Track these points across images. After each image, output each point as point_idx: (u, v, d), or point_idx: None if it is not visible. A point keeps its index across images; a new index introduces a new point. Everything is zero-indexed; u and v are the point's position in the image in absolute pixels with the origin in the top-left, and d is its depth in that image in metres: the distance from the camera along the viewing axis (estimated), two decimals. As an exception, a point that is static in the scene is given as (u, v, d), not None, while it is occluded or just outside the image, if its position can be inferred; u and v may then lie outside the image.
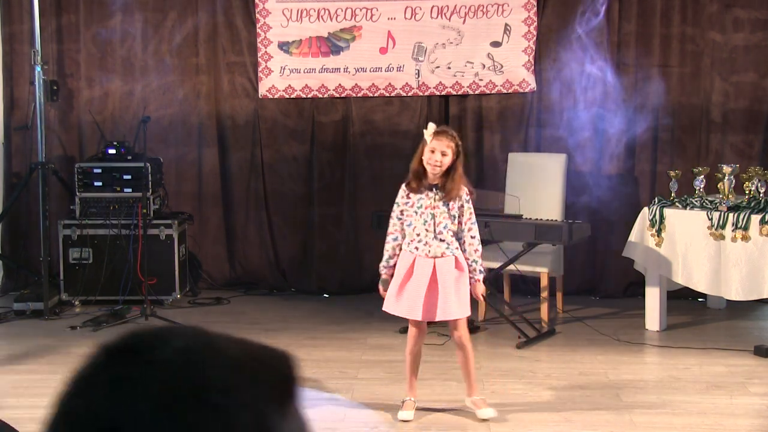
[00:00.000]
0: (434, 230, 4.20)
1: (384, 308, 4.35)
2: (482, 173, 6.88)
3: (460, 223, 4.26)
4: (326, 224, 7.07)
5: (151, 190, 6.54)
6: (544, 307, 6.01)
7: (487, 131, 6.93)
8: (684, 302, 6.52)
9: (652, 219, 5.76)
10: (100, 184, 6.60)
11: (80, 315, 6.31)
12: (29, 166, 6.71)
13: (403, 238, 4.29)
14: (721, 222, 5.44)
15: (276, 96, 6.98)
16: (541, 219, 5.68)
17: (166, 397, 0.78)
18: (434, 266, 4.19)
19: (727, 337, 5.72)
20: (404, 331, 5.77)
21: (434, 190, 4.22)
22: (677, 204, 5.76)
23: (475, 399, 4.33)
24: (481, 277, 4.32)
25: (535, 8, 6.75)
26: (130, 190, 6.58)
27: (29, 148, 6.94)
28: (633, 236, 5.87)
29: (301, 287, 7.06)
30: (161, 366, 0.81)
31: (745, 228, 5.33)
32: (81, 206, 6.60)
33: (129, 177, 6.59)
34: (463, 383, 4.42)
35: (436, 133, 4.21)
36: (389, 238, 4.33)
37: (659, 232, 5.72)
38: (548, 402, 4.54)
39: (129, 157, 6.65)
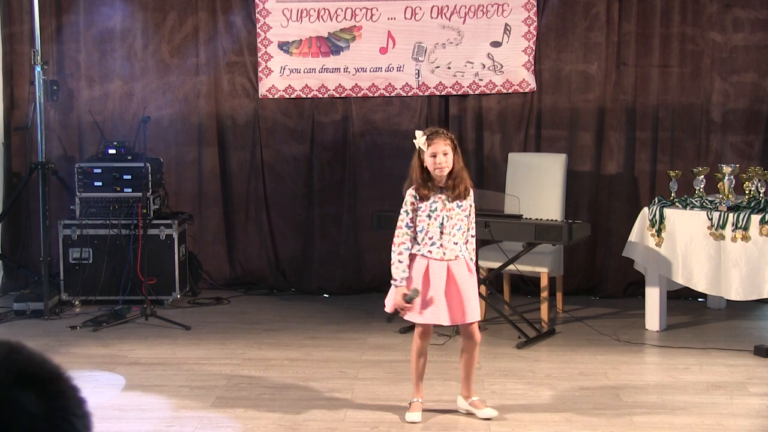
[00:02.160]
0: (450, 232, 4.16)
1: (408, 318, 4.21)
2: (482, 173, 6.88)
3: (468, 222, 4.25)
4: (326, 224, 7.07)
5: (151, 190, 6.54)
6: (544, 307, 6.01)
7: (487, 131, 6.93)
8: (684, 302, 6.53)
9: (652, 219, 5.76)
10: (100, 184, 6.60)
11: (80, 315, 6.31)
12: (29, 166, 6.71)
13: (413, 245, 4.22)
14: (721, 222, 5.44)
15: (276, 96, 6.98)
16: (541, 219, 5.68)
17: None
18: (448, 269, 4.16)
19: (727, 337, 5.72)
20: (405, 331, 5.78)
21: (444, 192, 4.18)
22: (677, 204, 5.76)
23: (474, 400, 4.33)
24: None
25: (535, 8, 6.76)
26: (130, 190, 6.58)
27: (29, 148, 6.94)
28: (633, 236, 5.87)
29: (301, 287, 7.06)
30: None
31: (745, 228, 5.33)
32: (81, 206, 6.60)
33: (129, 177, 6.59)
34: (462, 382, 4.41)
35: (429, 138, 4.16)
36: (401, 249, 4.17)
37: (659, 232, 5.72)
38: (548, 402, 4.54)
39: (129, 157, 6.65)
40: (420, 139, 4.18)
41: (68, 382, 1.01)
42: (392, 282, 4.19)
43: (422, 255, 4.18)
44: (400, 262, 4.16)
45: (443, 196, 4.17)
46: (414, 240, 4.21)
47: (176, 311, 6.39)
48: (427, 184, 4.16)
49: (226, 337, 5.75)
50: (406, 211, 4.21)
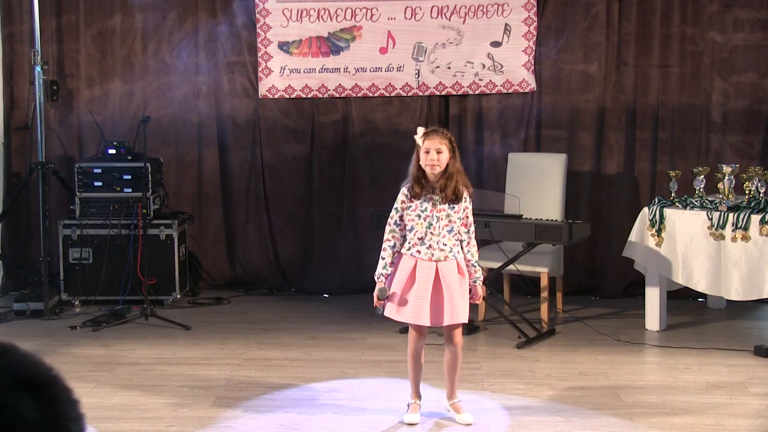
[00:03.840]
0: (439, 233, 4.14)
1: (386, 314, 4.24)
2: (482, 173, 6.88)
3: (464, 225, 4.22)
4: (326, 224, 7.07)
5: (151, 190, 6.54)
6: (544, 307, 6.01)
7: (487, 131, 6.93)
8: (684, 302, 6.53)
9: (652, 219, 5.76)
10: (100, 184, 6.60)
11: (80, 315, 6.31)
12: (29, 166, 6.72)
13: (401, 244, 4.22)
14: (721, 222, 5.44)
15: (276, 96, 6.98)
16: (541, 219, 5.68)
17: None
18: (437, 270, 4.15)
19: (727, 337, 5.72)
20: (404, 331, 5.77)
21: (437, 192, 4.17)
22: (677, 204, 5.76)
23: (454, 402, 4.31)
24: (482, 278, 4.32)
25: (535, 8, 6.76)
26: (130, 190, 6.58)
27: (29, 148, 6.94)
28: (633, 236, 5.87)
29: (301, 287, 7.06)
30: None
31: (745, 228, 5.33)
32: (81, 206, 6.60)
33: (129, 177, 6.59)
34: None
35: (427, 134, 4.18)
36: (386, 245, 4.21)
37: (659, 232, 5.72)
38: (548, 402, 4.53)
39: (129, 157, 6.65)
40: (419, 133, 4.22)
41: (62, 384, 1.01)
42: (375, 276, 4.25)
43: (411, 254, 4.18)
44: (382, 258, 4.23)
45: (435, 197, 4.16)
46: (403, 238, 4.21)
47: (176, 311, 6.39)
48: (421, 181, 4.17)
49: (226, 337, 5.75)
50: (396, 209, 4.23)
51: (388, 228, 4.23)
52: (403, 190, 4.24)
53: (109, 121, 7.02)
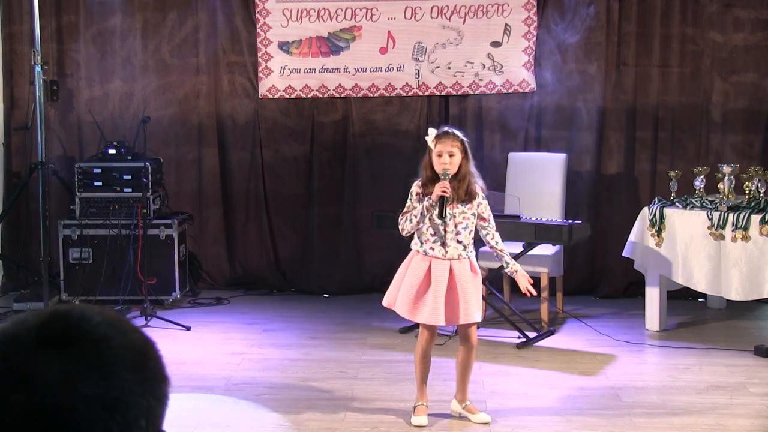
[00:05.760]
0: (452, 231, 4.14)
1: (401, 314, 4.22)
2: (482, 173, 6.80)
3: (482, 219, 4.21)
4: (326, 224, 7.07)
5: (151, 190, 6.54)
6: (544, 307, 6.01)
7: (487, 131, 6.93)
8: (684, 302, 6.52)
9: (652, 219, 5.76)
10: (100, 184, 6.60)
11: (80, 315, 6.30)
12: (29, 166, 6.71)
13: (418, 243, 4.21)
14: (721, 222, 5.44)
15: (276, 96, 6.98)
16: (541, 219, 5.68)
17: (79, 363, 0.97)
18: (451, 269, 4.14)
19: (727, 337, 5.72)
20: (405, 331, 5.78)
21: (447, 200, 4.13)
22: (677, 204, 5.76)
23: (468, 405, 4.30)
24: (518, 268, 4.27)
25: (535, 8, 6.76)
26: (130, 190, 6.58)
27: (29, 148, 6.94)
28: (633, 236, 5.87)
29: (301, 287, 7.06)
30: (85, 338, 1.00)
31: (745, 228, 5.33)
32: (81, 206, 6.60)
33: (129, 177, 6.58)
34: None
35: (438, 136, 4.16)
36: (404, 216, 4.18)
37: (659, 232, 5.72)
38: (548, 402, 4.54)
39: (129, 157, 6.65)
40: (430, 135, 4.20)
41: (92, 337, 1.03)
42: (435, 198, 4.09)
43: (424, 252, 4.17)
44: (408, 215, 4.16)
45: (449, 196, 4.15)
46: (418, 235, 4.20)
47: (176, 311, 6.39)
48: (433, 183, 4.15)
49: (226, 337, 5.75)
50: (411, 199, 4.21)
51: (402, 216, 4.21)
52: (417, 183, 4.22)
53: (109, 121, 7.02)
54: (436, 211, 4.11)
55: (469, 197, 4.17)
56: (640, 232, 5.83)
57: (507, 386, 4.79)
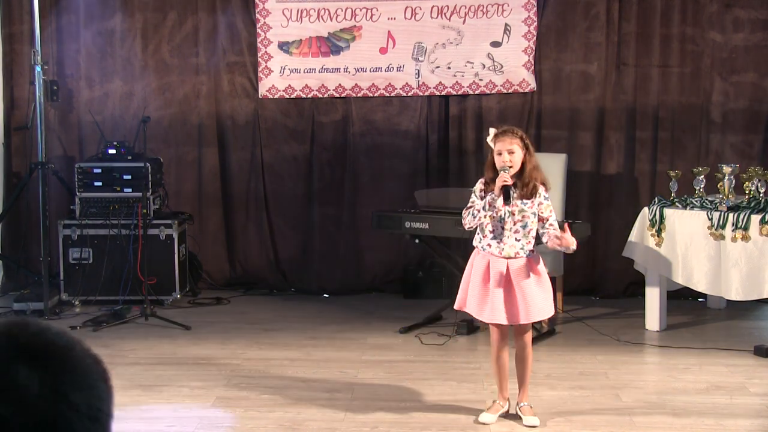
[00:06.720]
0: (510, 228, 4.15)
1: (472, 314, 4.26)
2: (482, 173, 6.85)
3: (541, 220, 4.18)
4: (326, 224, 7.07)
5: (151, 190, 6.54)
6: (544, 307, 6.00)
7: (487, 131, 6.91)
8: (684, 302, 6.52)
9: (652, 219, 5.76)
10: (100, 184, 6.60)
11: (80, 315, 6.31)
12: (29, 166, 6.71)
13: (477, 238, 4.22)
14: (721, 222, 5.44)
15: (276, 96, 6.98)
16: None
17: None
18: (508, 267, 4.13)
19: (727, 337, 5.72)
20: (404, 331, 5.79)
21: (512, 188, 4.13)
22: (677, 204, 5.76)
23: (522, 406, 4.28)
24: (558, 232, 4.14)
25: (535, 8, 6.75)
26: (130, 190, 6.58)
27: (29, 148, 6.94)
28: (633, 236, 5.87)
29: (301, 287, 7.06)
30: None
31: (745, 228, 5.33)
32: (81, 206, 6.60)
33: (129, 177, 6.58)
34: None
35: (497, 135, 4.20)
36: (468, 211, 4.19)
37: (659, 232, 5.72)
38: (548, 402, 4.53)
39: (129, 157, 6.65)
40: (490, 135, 4.25)
41: (74, 353, 1.03)
42: (497, 193, 4.10)
43: (482, 249, 4.19)
44: (472, 210, 4.17)
45: (510, 193, 4.13)
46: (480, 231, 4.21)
47: (176, 311, 6.39)
48: (495, 183, 4.13)
49: (226, 337, 5.75)
50: (475, 193, 4.23)
51: (465, 211, 4.21)
52: (481, 180, 4.25)
53: (109, 121, 7.02)
54: (501, 200, 4.10)
55: (531, 194, 4.15)
56: (640, 232, 5.83)
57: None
